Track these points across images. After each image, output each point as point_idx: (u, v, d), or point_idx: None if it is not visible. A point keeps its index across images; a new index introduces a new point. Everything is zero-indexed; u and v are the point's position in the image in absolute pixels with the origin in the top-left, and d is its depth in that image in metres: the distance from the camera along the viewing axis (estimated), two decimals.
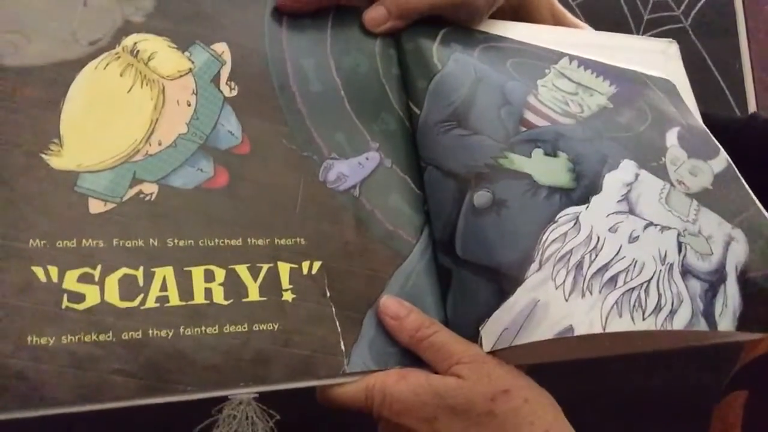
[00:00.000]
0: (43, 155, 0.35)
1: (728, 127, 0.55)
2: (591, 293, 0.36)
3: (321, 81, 0.42)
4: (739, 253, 0.41)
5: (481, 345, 0.37)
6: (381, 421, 0.38)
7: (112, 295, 0.34)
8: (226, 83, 0.40)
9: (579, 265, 0.37)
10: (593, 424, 0.38)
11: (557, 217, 0.39)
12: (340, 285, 0.38)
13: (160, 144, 0.38)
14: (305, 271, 0.38)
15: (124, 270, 0.34)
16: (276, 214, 0.38)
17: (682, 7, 1.01)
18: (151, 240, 0.35)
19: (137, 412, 0.33)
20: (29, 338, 0.32)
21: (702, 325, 0.37)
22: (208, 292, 0.35)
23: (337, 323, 0.37)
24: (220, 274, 0.36)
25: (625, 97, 0.48)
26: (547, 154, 0.41)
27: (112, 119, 0.37)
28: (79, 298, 0.33)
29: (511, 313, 0.36)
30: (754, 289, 0.40)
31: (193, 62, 0.40)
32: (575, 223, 0.38)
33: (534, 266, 0.37)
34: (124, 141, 0.37)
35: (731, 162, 0.46)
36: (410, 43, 0.45)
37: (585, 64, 0.49)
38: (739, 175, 0.46)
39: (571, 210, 0.39)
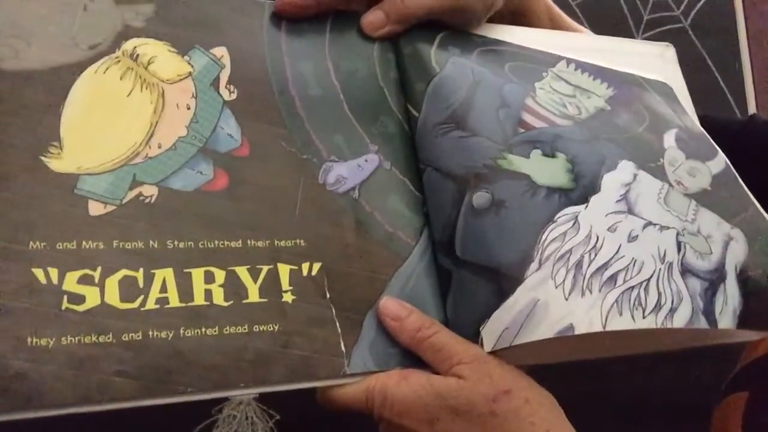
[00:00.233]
0: (44, 158, 0.35)
1: (727, 129, 0.56)
2: (591, 292, 0.36)
3: (320, 84, 0.43)
4: (738, 252, 0.41)
5: (481, 345, 0.37)
6: (382, 422, 0.37)
7: (112, 297, 0.34)
8: (226, 87, 0.40)
9: (579, 264, 0.37)
10: (593, 425, 0.38)
11: (556, 216, 0.39)
12: (340, 286, 0.38)
13: (159, 147, 0.38)
14: (305, 272, 0.38)
15: (124, 271, 0.34)
16: (276, 216, 0.38)
17: (682, 7, 1.01)
18: (151, 242, 0.35)
19: (136, 412, 0.32)
20: (29, 339, 0.32)
21: (702, 323, 0.37)
22: (208, 294, 0.35)
23: (338, 324, 0.37)
24: (220, 275, 0.36)
25: (622, 99, 0.48)
26: (545, 154, 0.41)
27: (112, 122, 0.37)
28: (79, 299, 0.33)
29: (511, 312, 0.36)
30: (753, 287, 0.40)
31: (192, 66, 0.40)
32: (574, 223, 0.39)
33: (534, 266, 0.37)
34: (124, 144, 0.37)
35: (729, 163, 0.46)
36: (408, 47, 0.45)
37: (582, 67, 0.49)
38: (738, 176, 0.46)
39: (570, 210, 0.39)
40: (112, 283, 0.34)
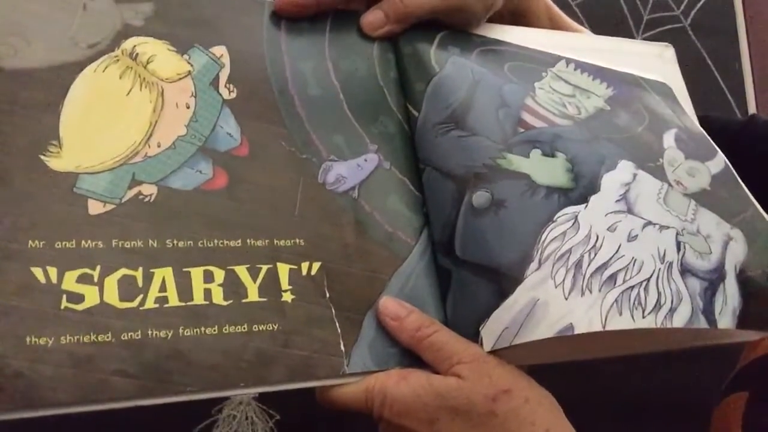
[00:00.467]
0: (43, 157, 0.35)
1: (727, 129, 0.56)
2: (591, 291, 0.36)
3: (319, 84, 0.43)
4: (737, 252, 0.41)
5: (481, 345, 0.37)
6: (381, 422, 0.37)
7: (112, 296, 0.34)
8: (225, 86, 0.40)
9: (578, 264, 0.37)
10: (593, 425, 0.38)
11: (556, 216, 0.39)
12: (339, 286, 0.38)
13: (159, 146, 0.38)
14: (305, 271, 0.38)
15: (124, 271, 0.34)
16: (275, 215, 0.38)
17: (682, 7, 1.01)
18: (150, 241, 0.35)
19: (136, 412, 0.32)
20: (28, 339, 0.31)
21: (702, 323, 0.37)
22: (208, 293, 0.35)
23: (337, 324, 0.37)
24: (219, 274, 0.36)
25: (621, 99, 0.48)
26: (545, 154, 0.41)
27: (111, 121, 0.37)
28: (79, 298, 0.33)
29: (511, 312, 0.36)
30: (753, 287, 0.40)
31: (192, 65, 0.40)
32: (574, 223, 0.39)
33: (533, 265, 0.37)
34: (124, 143, 0.37)
35: (729, 164, 0.46)
36: (408, 47, 0.45)
37: (582, 67, 0.49)
38: (737, 176, 0.46)
39: (570, 209, 0.39)
40: (112, 282, 0.34)
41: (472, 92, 0.43)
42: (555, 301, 0.36)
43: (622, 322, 0.36)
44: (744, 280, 0.40)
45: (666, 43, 0.54)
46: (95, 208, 0.35)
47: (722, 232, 0.41)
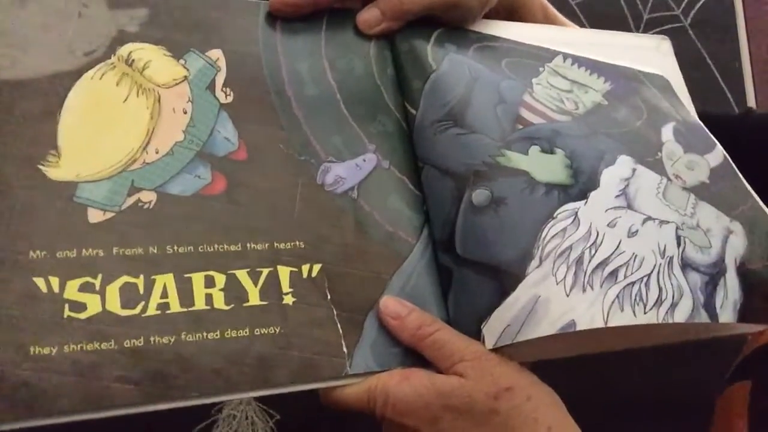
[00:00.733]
0: (42, 166, 0.35)
1: (724, 123, 0.55)
2: (592, 288, 0.36)
3: (316, 84, 0.43)
4: (737, 245, 0.41)
5: (483, 343, 0.37)
6: (384, 422, 0.37)
7: (113, 304, 0.34)
8: (222, 90, 0.40)
9: (579, 261, 0.37)
10: (593, 422, 0.38)
11: (556, 213, 0.39)
12: (340, 287, 0.38)
13: (157, 152, 0.38)
14: (305, 274, 0.38)
15: (125, 278, 0.34)
16: (275, 218, 0.38)
17: (682, 6, 1.01)
18: (150, 248, 0.36)
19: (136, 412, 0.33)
20: (32, 348, 0.32)
21: (703, 317, 0.37)
22: (209, 298, 0.36)
23: (339, 325, 0.37)
24: (220, 279, 0.36)
25: (619, 93, 0.48)
26: (543, 151, 0.41)
27: (109, 129, 0.37)
28: (81, 307, 0.33)
29: (512, 310, 0.36)
30: (754, 280, 0.40)
31: (188, 70, 0.40)
32: (574, 219, 0.38)
33: (534, 262, 0.37)
34: (122, 150, 0.37)
35: (727, 156, 0.46)
36: (405, 44, 0.45)
37: (579, 61, 0.49)
38: (736, 169, 0.46)
39: (570, 206, 0.39)
40: (113, 289, 0.34)
41: (469, 89, 0.43)
42: (556, 298, 0.36)
43: (623, 318, 0.36)
44: (744, 273, 0.40)
45: (663, 36, 0.54)
46: (95, 216, 0.35)
47: (722, 225, 0.41)
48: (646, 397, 0.83)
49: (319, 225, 0.39)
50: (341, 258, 0.39)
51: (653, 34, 0.92)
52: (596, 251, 0.37)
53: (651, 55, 0.52)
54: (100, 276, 0.34)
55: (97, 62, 0.38)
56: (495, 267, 0.38)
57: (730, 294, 0.39)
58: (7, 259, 0.33)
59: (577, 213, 0.39)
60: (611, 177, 0.41)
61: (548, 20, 0.53)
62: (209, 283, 0.36)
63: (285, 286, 0.37)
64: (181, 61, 0.40)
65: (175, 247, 0.36)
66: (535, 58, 0.48)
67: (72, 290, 0.33)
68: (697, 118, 0.49)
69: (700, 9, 1.01)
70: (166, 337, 0.34)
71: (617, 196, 0.40)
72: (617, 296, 0.36)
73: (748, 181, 0.45)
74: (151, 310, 0.34)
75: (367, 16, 0.45)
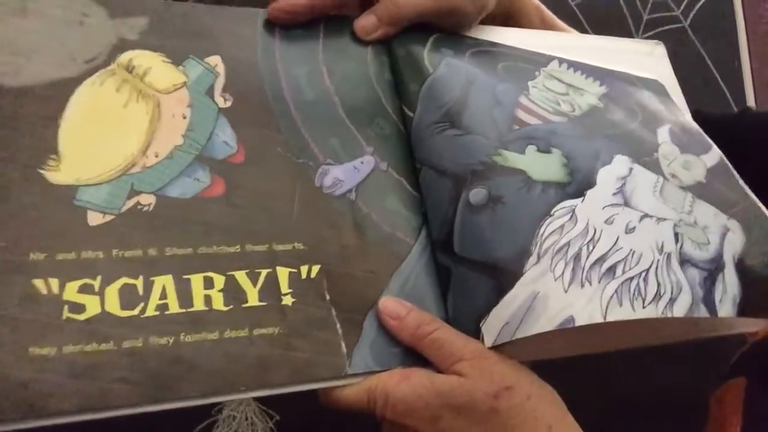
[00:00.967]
0: (42, 170, 0.35)
1: (721, 122, 0.56)
2: (590, 283, 0.36)
3: (314, 89, 0.43)
4: (735, 242, 0.41)
5: (482, 341, 0.37)
6: (385, 422, 0.37)
7: (113, 305, 0.34)
8: (221, 95, 0.41)
9: (577, 257, 0.37)
10: (591, 422, 0.37)
11: (553, 210, 0.39)
12: (339, 288, 0.38)
13: (156, 156, 0.38)
14: (304, 275, 0.38)
15: (124, 279, 0.35)
16: (273, 220, 0.39)
17: (682, 7, 1.01)
18: (149, 249, 0.36)
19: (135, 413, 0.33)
20: (31, 349, 0.32)
21: (702, 312, 0.37)
22: (208, 299, 0.36)
23: (338, 325, 0.38)
24: (219, 280, 0.36)
25: (615, 96, 0.48)
26: (540, 150, 0.41)
27: (109, 133, 0.38)
28: (80, 308, 0.33)
29: (511, 307, 0.36)
30: (752, 276, 0.40)
31: (187, 76, 0.40)
32: (571, 216, 0.39)
33: (532, 259, 0.37)
34: (122, 154, 0.37)
35: (724, 157, 0.46)
36: (401, 49, 0.45)
37: (574, 66, 0.49)
38: (732, 169, 0.46)
39: (567, 203, 0.39)
40: (112, 291, 0.34)
41: (466, 92, 0.43)
42: (555, 294, 0.36)
43: (622, 313, 0.36)
44: (743, 269, 0.40)
45: (657, 41, 0.54)
46: (95, 219, 0.36)
47: (719, 223, 0.41)
48: (644, 396, 0.82)
49: (317, 226, 0.39)
50: (340, 259, 0.39)
51: (653, 34, 0.93)
52: (594, 247, 0.38)
53: (646, 59, 0.53)
54: (99, 277, 0.34)
55: (97, 69, 0.39)
56: (493, 265, 0.38)
57: (729, 289, 0.39)
58: (7, 260, 0.33)
59: (574, 210, 0.39)
60: (608, 175, 0.41)
61: (545, 25, 0.53)
62: (208, 284, 0.36)
63: (284, 287, 0.37)
64: (181, 68, 0.41)
65: (174, 249, 0.36)
66: (531, 63, 0.48)
67: (71, 292, 0.34)
68: (693, 121, 0.50)
69: (700, 10, 1.02)
70: (165, 337, 0.34)
71: (614, 194, 0.40)
72: (615, 291, 0.36)
73: (745, 180, 0.45)
74: (150, 311, 0.34)
75: (365, 23, 0.46)
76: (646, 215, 0.40)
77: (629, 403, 0.82)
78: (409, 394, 0.36)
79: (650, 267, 0.37)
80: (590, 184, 0.40)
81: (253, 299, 0.36)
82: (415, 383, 0.37)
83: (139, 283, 0.35)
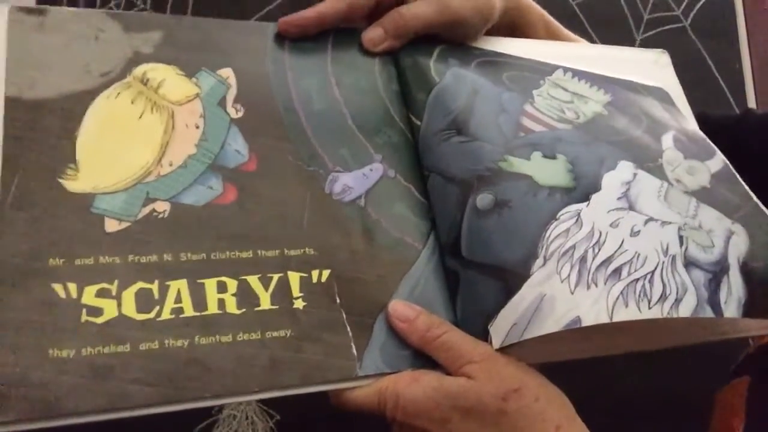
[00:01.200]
0: (61, 179, 0.37)
1: (723, 124, 0.56)
2: (596, 285, 0.37)
3: (323, 100, 0.44)
4: (740, 245, 0.41)
5: (490, 343, 0.38)
6: (395, 423, 0.38)
7: (129, 308, 0.35)
8: (233, 106, 0.42)
9: (583, 259, 0.38)
10: (595, 422, 0.38)
11: (559, 214, 0.39)
12: (349, 292, 0.39)
13: (171, 165, 0.39)
14: (315, 279, 0.39)
15: (140, 284, 0.36)
16: (284, 226, 0.40)
17: (682, 7, 1.01)
18: (165, 255, 0.37)
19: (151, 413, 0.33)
20: (50, 351, 0.33)
21: (708, 312, 0.37)
22: (221, 303, 0.37)
23: (348, 328, 0.38)
24: (232, 285, 0.37)
25: (619, 104, 0.49)
26: (545, 156, 0.42)
27: (125, 144, 0.39)
28: (98, 312, 0.34)
29: (518, 309, 0.37)
30: (757, 279, 0.40)
31: (200, 87, 0.42)
32: (577, 220, 0.39)
33: (539, 262, 0.38)
34: (137, 164, 0.39)
35: (728, 162, 0.47)
36: (408, 60, 0.47)
37: (579, 75, 0.50)
38: (736, 174, 0.46)
39: (573, 207, 0.40)
40: (129, 295, 0.35)
41: (471, 100, 0.44)
42: (561, 296, 0.36)
43: (628, 314, 0.36)
44: (747, 272, 0.40)
45: (661, 50, 0.55)
46: (112, 226, 0.37)
47: (724, 227, 0.42)
48: (647, 396, 0.82)
49: (328, 232, 0.40)
50: (350, 264, 0.40)
51: (653, 34, 0.93)
52: (599, 250, 0.38)
53: (650, 68, 0.53)
54: (116, 282, 0.35)
55: (113, 82, 0.40)
56: (500, 268, 0.38)
57: (734, 291, 0.39)
58: (27, 266, 0.34)
59: (579, 214, 0.39)
60: (612, 180, 0.42)
61: (550, 34, 0.54)
62: (221, 288, 0.37)
63: (295, 291, 0.38)
64: (193, 80, 0.42)
65: (189, 255, 0.37)
66: (536, 72, 0.49)
67: (89, 296, 0.35)
68: (698, 128, 0.50)
69: (701, 9, 1.02)
70: (180, 340, 0.35)
71: (619, 198, 0.41)
72: (621, 292, 0.37)
73: (747, 182, 0.45)
74: (166, 315, 0.35)
75: (372, 35, 0.47)
76: (651, 219, 0.40)
77: (632, 404, 0.81)
78: (419, 395, 0.37)
79: (655, 269, 0.38)
80: (595, 188, 0.41)
81: (265, 303, 0.37)
82: (424, 385, 0.37)
83: (154, 287, 0.36)
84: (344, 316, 0.38)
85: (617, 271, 0.38)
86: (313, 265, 0.39)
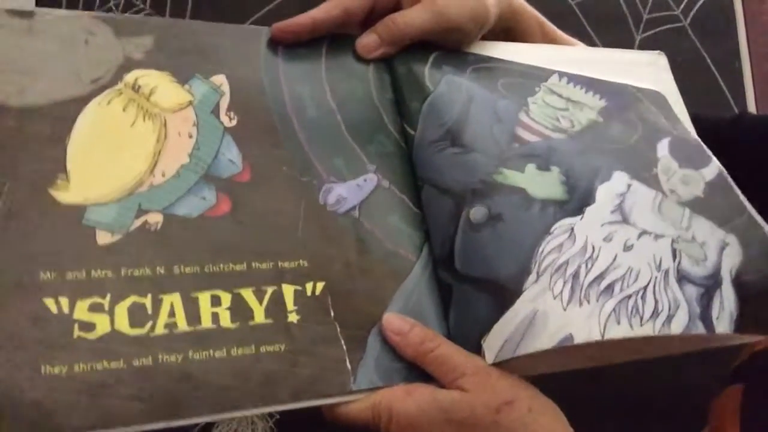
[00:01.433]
0: (51, 190, 0.36)
1: (718, 127, 0.56)
2: (588, 302, 0.37)
3: (317, 107, 0.44)
4: (733, 257, 0.42)
5: (483, 358, 0.38)
6: None
7: (122, 323, 0.35)
8: (226, 114, 0.42)
9: (575, 275, 0.38)
10: (596, 426, 0.38)
11: (552, 228, 0.40)
12: (343, 304, 0.39)
13: (163, 175, 0.39)
14: (309, 292, 0.39)
15: (133, 298, 0.35)
16: (278, 238, 0.39)
17: (682, 7, 1.01)
18: (158, 268, 0.36)
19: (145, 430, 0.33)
20: (43, 368, 0.32)
21: (699, 329, 0.38)
22: (215, 317, 0.36)
23: (342, 342, 0.38)
24: (226, 298, 0.37)
25: (614, 110, 0.49)
26: (539, 168, 0.42)
27: (116, 153, 0.38)
28: (90, 327, 0.34)
29: (511, 324, 0.37)
30: (749, 292, 0.41)
31: (193, 95, 0.41)
32: (570, 234, 0.39)
33: (532, 277, 0.38)
34: (129, 174, 0.38)
35: (723, 169, 0.47)
36: (402, 67, 0.46)
37: (574, 80, 0.50)
38: (731, 182, 0.46)
39: (566, 221, 0.40)
40: (122, 309, 0.35)
41: (466, 109, 0.44)
42: (554, 312, 0.37)
43: (620, 331, 0.37)
44: (740, 285, 0.41)
45: (659, 51, 0.55)
46: (104, 238, 0.36)
47: (717, 238, 0.42)
48: (642, 399, 0.83)
49: (322, 244, 0.40)
50: (344, 276, 0.40)
51: (653, 34, 0.93)
52: (592, 265, 0.38)
53: (647, 70, 0.53)
54: (108, 296, 0.35)
55: (104, 89, 0.39)
56: (494, 282, 0.39)
57: (726, 305, 0.39)
58: (17, 280, 0.34)
59: (573, 228, 0.40)
60: (607, 192, 0.42)
61: (546, 37, 0.54)
62: (215, 302, 0.37)
63: (289, 305, 0.38)
64: (186, 87, 0.41)
65: (182, 267, 0.37)
66: (531, 78, 0.49)
67: (81, 310, 0.34)
68: (694, 133, 0.50)
69: (700, 9, 1.01)
70: (174, 355, 0.35)
71: (612, 211, 0.41)
72: (614, 309, 0.37)
73: (740, 186, 0.46)
74: (159, 329, 0.35)
75: (366, 42, 0.46)
76: (644, 232, 0.41)
77: (626, 405, 0.82)
78: (413, 409, 0.37)
79: (648, 284, 0.38)
80: (589, 201, 0.41)
81: (259, 317, 0.37)
82: (418, 398, 0.37)
83: (147, 301, 0.35)
84: (338, 329, 0.38)
85: (610, 287, 0.38)
86: (307, 278, 0.39)
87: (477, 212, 0.40)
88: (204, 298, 0.37)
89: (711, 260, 0.41)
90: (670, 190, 0.44)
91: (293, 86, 0.44)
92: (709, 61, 1.00)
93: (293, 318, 0.38)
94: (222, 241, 0.38)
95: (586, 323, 0.36)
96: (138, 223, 0.37)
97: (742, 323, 0.39)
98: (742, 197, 0.46)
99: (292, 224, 0.40)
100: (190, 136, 0.40)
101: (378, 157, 0.44)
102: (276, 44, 0.44)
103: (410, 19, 0.45)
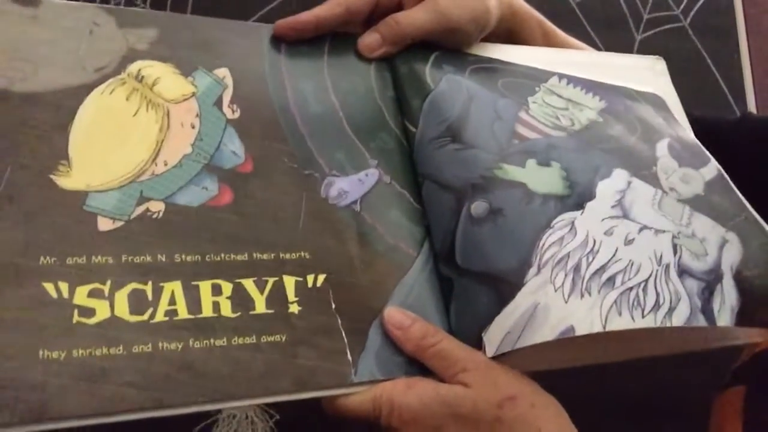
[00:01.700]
0: (53, 176, 0.36)
1: (720, 128, 0.57)
2: (590, 294, 0.37)
3: (320, 103, 0.44)
4: (733, 253, 0.42)
5: (484, 351, 0.38)
6: (389, 430, 0.38)
7: (122, 310, 0.34)
8: (229, 106, 0.42)
9: (577, 268, 0.38)
10: (599, 424, 0.38)
11: (553, 222, 0.40)
12: (344, 297, 0.39)
13: (165, 164, 0.39)
14: (310, 283, 0.39)
15: (133, 285, 0.35)
16: (280, 229, 0.39)
17: (682, 7, 1.02)
18: (158, 255, 0.36)
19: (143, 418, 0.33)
20: (41, 352, 0.32)
21: (701, 321, 0.38)
22: (216, 306, 0.36)
23: (343, 334, 0.38)
24: (227, 287, 0.37)
25: (614, 111, 0.49)
26: (540, 164, 0.42)
27: (119, 141, 0.38)
28: (90, 312, 0.34)
29: (512, 317, 0.37)
30: (750, 287, 0.41)
31: (196, 86, 0.41)
32: (571, 228, 0.40)
33: (533, 270, 0.38)
34: (131, 162, 0.38)
35: (722, 170, 0.48)
36: (404, 66, 0.47)
37: (574, 81, 0.51)
38: (731, 182, 0.47)
39: (567, 215, 0.40)
40: (122, 296, 0.35)
41: (466, 107, 0.45)
42: (555, 304, 0.37)
43: (622, 323, 0.36)
44: (741, 280, 0.41)
45: (657, 56, 0.56)
46: (105, 224, 0.36)
47: (717, 235, 0.42)
48: (643, 399, 0.83)
49: (323, 236, 0.40)
50: (345, 268, 0.40)
51: (653, 34, 0.94)
52: (593, 258, 0.38)
53: (646, 74, 0.54)
54: (109, 282, 0.35)
55: (107, 78, 0.39)
56: (494, 276, 0.39)
57: (727, 299, 0.40)
58: (18, 264, 0.33)
59: (573, 222, 0.40)
60: (607, 188, 0.42)
61: (548, 40, 0.54)
62: (216, 291, 0.36)
63: (290, 295, 0.38)
64: (189, 78, 0.41)
65: (183, 256, 0.37)
66: (531, 78, 0.49)
67: (81, 296, 0.34)
68: (693, 135, 0.51)
69: (700, 9, 1.02)
70: (174, 343, 0.34)
71: (613, 207, 0.41)
72: (615, 301, 0.37)
73: (740, 187, 0.46)
74: (160, 317, 0.35)
75: (368, 41, 0.47)
76: (645, 227, 0.41)
77: (628, 405, 0.82)
78: (415, 402, 0.37)
79: (649, 277, 0.38)
80: (589, 196, 0.41)
81: (260, 307, 0.37)
82: (420, 392, 0.37)
83: (148, 288, 0.35)
84: (339, 321, 0.38)
85: (611, 279, 0.38)
86: (308, 269, 0.39)
87: (478, 207, 0.40)
88: (205, 287, 0.36)
89: (711, 256, 0.41)
90: (669, 187, 0.44)
91: (296, 82, 0.44)
92: (709, 61, 1.01)
93: (294, 309, 0.38)
94: (223, 231, 0.38)
95: (588, 315, 0.36)
96: (139, 210, 0.37)
97: (743, 317, 0.39)
98: (742, 197, 0.46)
99: (293, 216, 0.40)
100: (193, 127, 0.40)
101: (379, 153, 0.44)
102: (279, 41, 0.45)
103: (412, 19, 0.46)
